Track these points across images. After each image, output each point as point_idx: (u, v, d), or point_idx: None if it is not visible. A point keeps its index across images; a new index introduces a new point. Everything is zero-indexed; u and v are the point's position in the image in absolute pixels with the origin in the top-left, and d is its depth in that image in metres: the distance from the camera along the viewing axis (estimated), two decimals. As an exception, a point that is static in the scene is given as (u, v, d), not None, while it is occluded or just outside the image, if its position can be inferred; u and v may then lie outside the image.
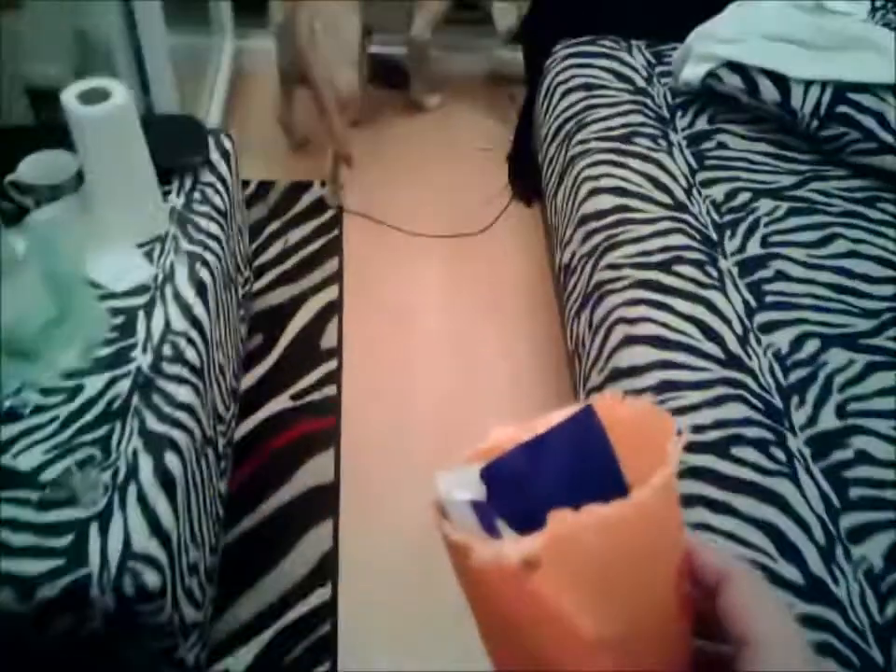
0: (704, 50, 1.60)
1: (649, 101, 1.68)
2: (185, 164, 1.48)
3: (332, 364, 1.77)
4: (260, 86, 2.51)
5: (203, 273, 1.30)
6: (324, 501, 1.53)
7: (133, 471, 1.01)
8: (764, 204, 1.44)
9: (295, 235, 2.07)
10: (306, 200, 2.18)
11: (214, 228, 1.40)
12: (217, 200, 1.47)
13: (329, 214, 2.14)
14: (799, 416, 1.11)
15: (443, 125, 2.55)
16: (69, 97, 1.18)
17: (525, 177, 2.19)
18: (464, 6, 2.36)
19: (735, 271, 1.32)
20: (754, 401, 1.12)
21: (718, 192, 1.47)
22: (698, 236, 1.38)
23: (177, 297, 1.24)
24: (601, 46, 1.84)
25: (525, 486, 0.31)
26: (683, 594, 0.33)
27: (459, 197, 2.27)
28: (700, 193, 1.47)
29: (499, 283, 2.04)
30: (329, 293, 1.92)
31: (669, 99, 1.70)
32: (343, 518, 1.52)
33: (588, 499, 0.28)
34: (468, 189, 2.29)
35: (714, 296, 1.27)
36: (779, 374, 1.17)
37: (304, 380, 1.73)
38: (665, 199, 1.45)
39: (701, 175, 1.51)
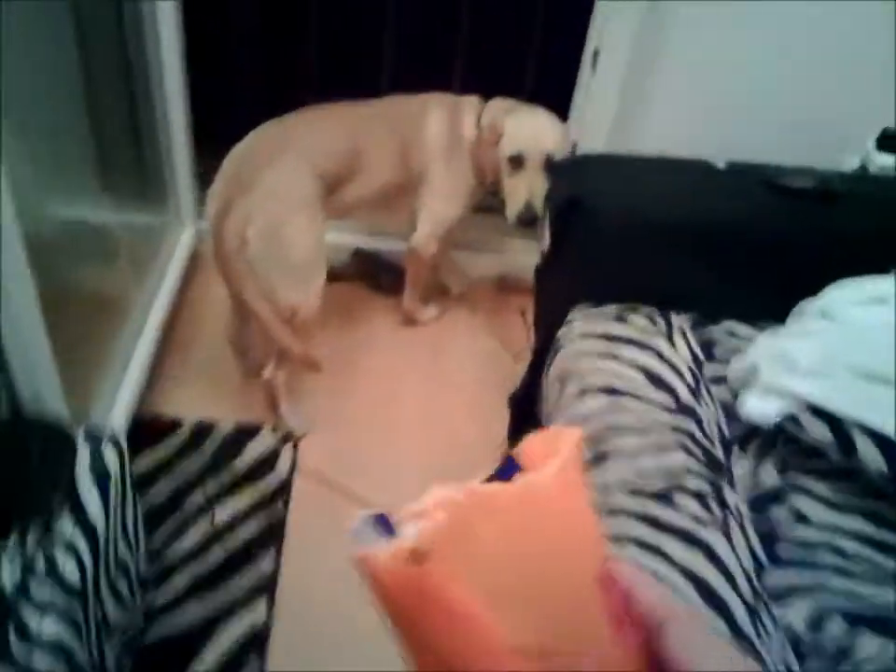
0: (775, 381, 1.15)
1: (695, 428, 1.22)
2: (29, 506, 1.04)
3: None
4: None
5: None
6: None
7: None
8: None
9: (226, 510, 1.60)
10: (250, 453, 1.72)
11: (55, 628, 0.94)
12: (69, 570, 1.01)
13: (273, 477, 1.68)
14: None
15: (436, 340, 2.12)
16: None
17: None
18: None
19: None
20: None
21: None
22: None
23: None
24: (632, 324, 1.40)
25: None
26: (616, 618, 0.31)
27: (448, 449, 1.80)
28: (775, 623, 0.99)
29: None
30: (254, 614, 1.44)
31: (724, 425, 1.24)
32: None
33: None
34: (458, 439, 1.83)
35: None
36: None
37: None
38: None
39: (775, 578, 1.04)
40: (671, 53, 1.78)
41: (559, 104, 1.93)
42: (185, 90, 1.95)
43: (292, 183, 1.54)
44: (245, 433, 1.76)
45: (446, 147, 1.81)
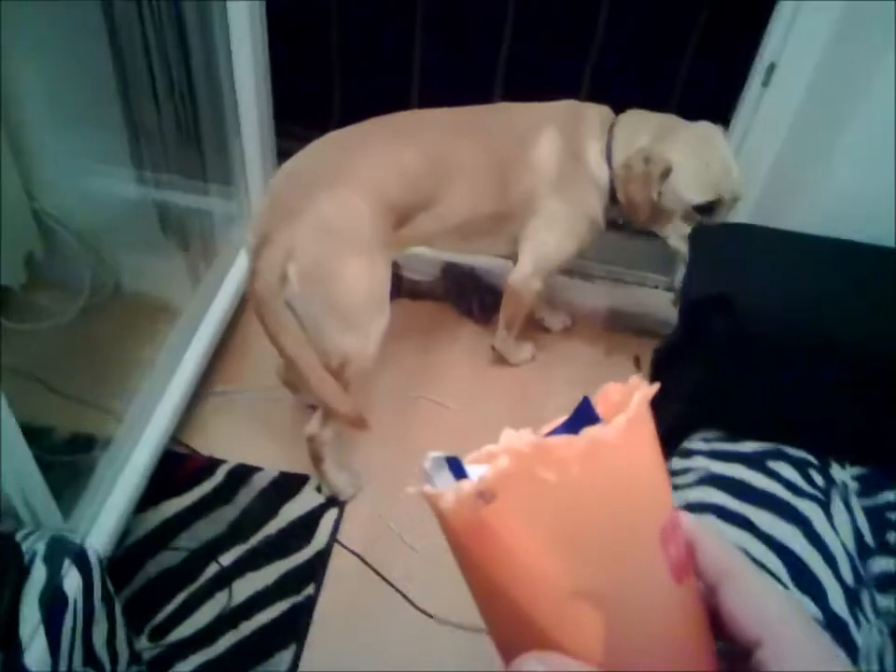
0: None
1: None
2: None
3: None
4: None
5: None
6: None
7: None
8: None
9: (247, 586, 1.38)
10: (287, 514, 1.48)
11: None
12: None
13: (308, 550, 1.43)
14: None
15: (527, 385, 1.79)
16: None
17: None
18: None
19: None
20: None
21: None
22: None
23: None
24: (777, 477, 1.04)
25: None
26: (677, 568, 0.31)
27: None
28: None
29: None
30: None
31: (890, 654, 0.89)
32: None
33: None
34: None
35: None
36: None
37: None
38: None
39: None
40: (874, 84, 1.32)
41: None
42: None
43: (350, 216, 1.24)
44: (287, 485, 1.52)
45: (562, 171, 1.45)
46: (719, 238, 1.20)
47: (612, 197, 1.47)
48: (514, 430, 0.32)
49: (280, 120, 1.80)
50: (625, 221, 1.54)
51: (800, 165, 1.47)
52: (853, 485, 1.10)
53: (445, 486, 0.30)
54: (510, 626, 0.30)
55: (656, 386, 0.31)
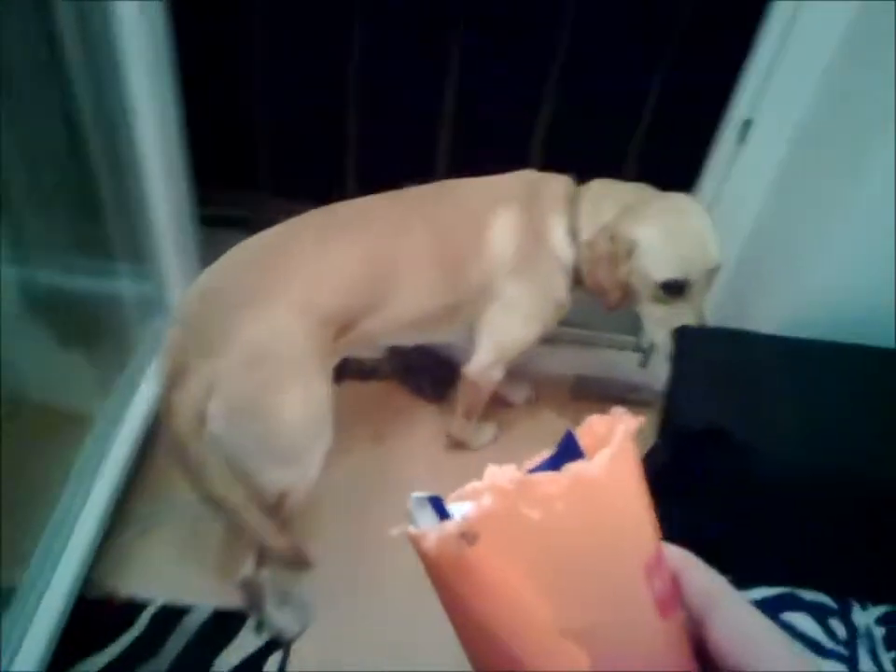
0: None
1: None
2: None
3: None
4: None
5: None
6: None
7: None
8: None
9: None
10: (228, 659, 1.28)
11: None
12: None
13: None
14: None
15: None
16: None
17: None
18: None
19: None
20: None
21: None
22: None
23: None
24: (792, 628, 0.90)
25: None
26: (663, 603, 0.31)
27: None
28: None
29: None
30: None
31: None
32: None
33: None
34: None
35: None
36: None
37: None
38: None
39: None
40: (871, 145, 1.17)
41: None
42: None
43: (281, 339, 1.04)
44: (222, 627, 1.31)
45: (521, 253, 1.27)
46: (707, 347, 1.05)
47: (578, 277, 1.30)
48: (498, 466, 0.31)
49: (204, 185, 1.59)
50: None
51: (779, 246, 1.32)
52: (879, 632, 0.96)
53: (428, 526, 0.30)
54: (496, 665, 0.30)
55: (640, 419, 0.31)
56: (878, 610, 0.98)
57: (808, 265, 1.21)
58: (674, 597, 0.32)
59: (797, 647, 0.30)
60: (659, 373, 1.24)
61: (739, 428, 0.89)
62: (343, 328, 1.14)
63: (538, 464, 0.32)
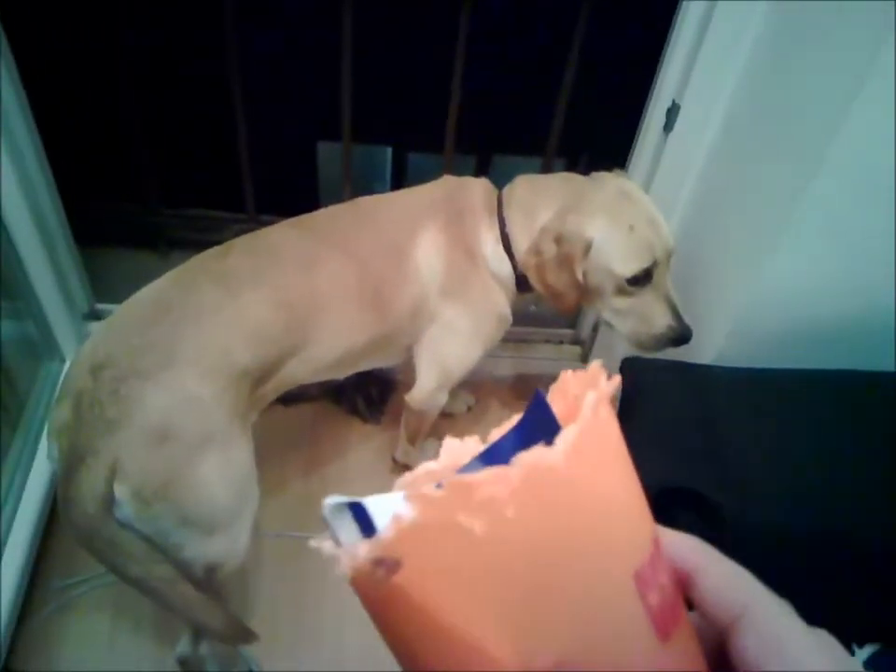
0: None
1: None
2: None
3: None
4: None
5: None
6: None
7: None
8: None
9: None
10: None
11: None
12: None
13: None
14: None
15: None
16: None
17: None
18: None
19: None
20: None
21: None
22: None
23: None
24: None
25: None
26: (664, 620, 0.24)
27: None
28: None
29: None
30: None
31: None
32: None
33: None
34: None
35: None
36: None
37: None
38: None
39: None
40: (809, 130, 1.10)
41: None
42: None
43: (188, 408, 0.92)
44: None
45: (452, 271, 1.17)
46: (657, 385, 0.97)
47: (520, 286, 1.21)
48: (459, 440, 0.27)
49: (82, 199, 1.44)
50: (540, 307, 1.30)
51: (714, 240, 1.26)
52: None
53: (349, 540, 0.24)
54: None
55: (617, 380, 0.25)
56: (864, 653, 0.94)
57: (748, 257, 1.15)
58: (677, 609, 0.26)
59: (839, 651, 0.26)
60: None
61: (708, 487, 0.82)
62: (262, 377, 1.03)
63: (503, 435, 0.27)
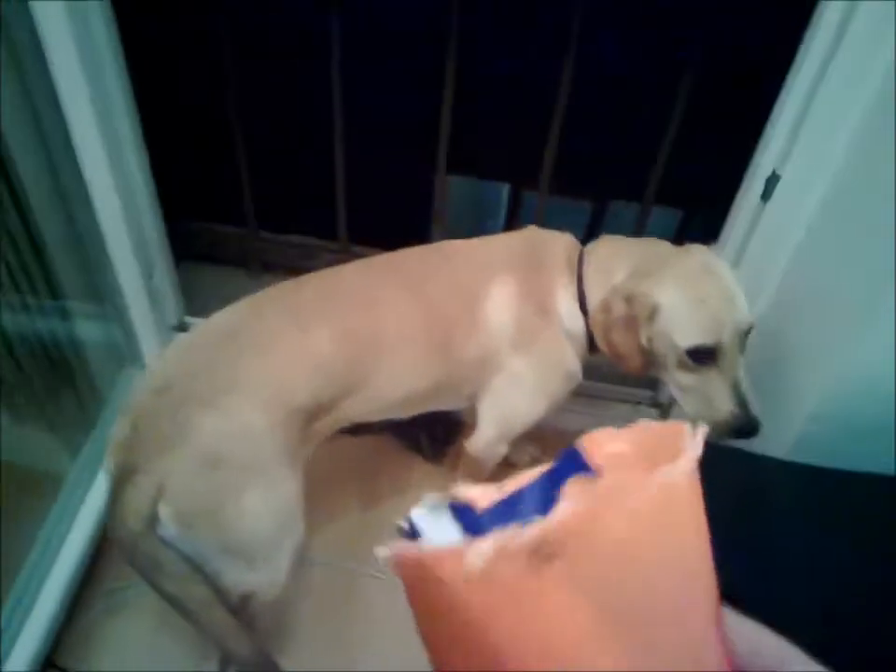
0: None
1: None
2: None
3: None
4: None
5: None
6: None
7: None
8: None
9: None
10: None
11: None
12: None
13: None
14: None
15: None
16: None
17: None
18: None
19: None
20: None
21: None
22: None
23: None
24: None
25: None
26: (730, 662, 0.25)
27: None
28: None
29: None
30: None
31: None
32: None
33: None
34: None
35: None
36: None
37: None
38: None
39: None
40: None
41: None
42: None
43: (242, 438, 0.93)
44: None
45: (523, 324, 1.15)
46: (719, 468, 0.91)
47: (592, 345, 1.17)
48: (477, 487, 0.27)
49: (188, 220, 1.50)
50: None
51: (805, 316, 1.18)
52: None
53: (443, 540, 0.24)
54: None
55: (702, 434, 0.24)
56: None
57: (843, 339, 1.08)
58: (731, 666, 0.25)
59: None
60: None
61: (749, 595, 0.75)
62: (319, 412, 1.03)
63: (530, 481, 0.26)
